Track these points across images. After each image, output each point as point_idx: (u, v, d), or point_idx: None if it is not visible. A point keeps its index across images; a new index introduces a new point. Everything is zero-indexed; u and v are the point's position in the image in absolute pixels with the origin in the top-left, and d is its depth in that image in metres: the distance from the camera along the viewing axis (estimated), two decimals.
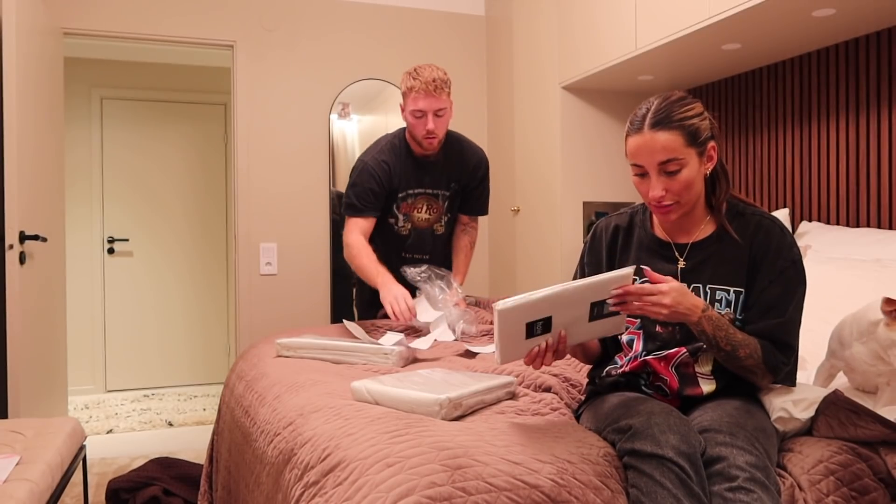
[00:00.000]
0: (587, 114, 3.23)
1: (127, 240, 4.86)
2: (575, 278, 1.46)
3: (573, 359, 1.68)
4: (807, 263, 2.06)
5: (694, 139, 1.32)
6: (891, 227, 2.23)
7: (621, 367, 1.45)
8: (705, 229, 1.42)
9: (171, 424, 3.92)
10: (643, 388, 1.42)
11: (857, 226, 2.35)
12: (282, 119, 3.70)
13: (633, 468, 1.14)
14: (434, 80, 2.28)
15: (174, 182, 4.98)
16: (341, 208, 3.86)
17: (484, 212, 2.66)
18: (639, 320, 1.43)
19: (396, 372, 1.75)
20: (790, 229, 2.55)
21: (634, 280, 1.38)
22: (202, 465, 2.35)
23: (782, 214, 2.51)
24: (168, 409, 4.28)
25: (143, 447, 3.44)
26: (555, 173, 3.22)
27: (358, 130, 3.92)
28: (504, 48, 3.80)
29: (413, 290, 2.29)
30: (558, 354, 1.29)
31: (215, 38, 3.60)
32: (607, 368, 1.48)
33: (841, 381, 1.54)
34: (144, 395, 4.69)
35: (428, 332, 2.16)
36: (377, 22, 3.88)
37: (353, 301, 2.80)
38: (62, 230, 3.28)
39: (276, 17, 3.69)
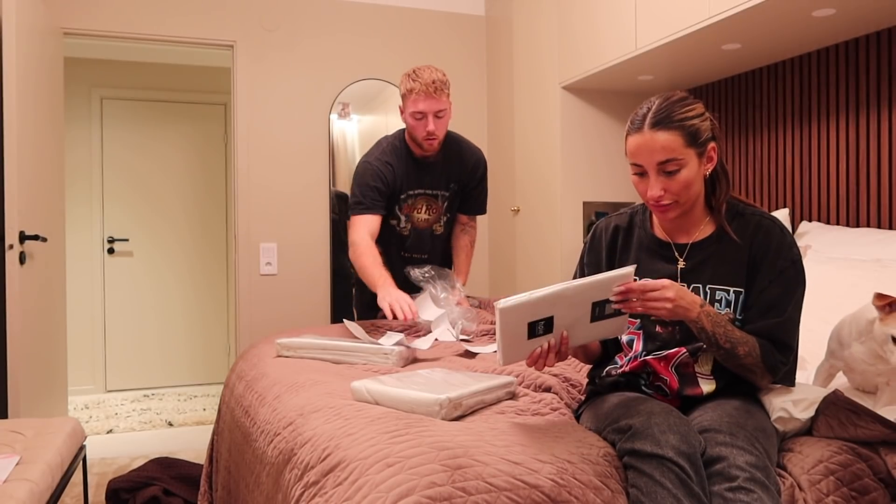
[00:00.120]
0: (587, 114, 3.23)
1: (127, 240, 4.86)
2: (575, 279, 1.46)
3: (573, 359, 1.68)
4: (807, 263, 2.06)
5: (694, 140, 1.32)
6: (891, 227, 2.23)
7: (621, 367, 1.45)
8: (705, 229, 1.42)
9: (171, 424, 3.92)
10: (643, 388, 1.42)
11: (857, 226, 2.35)
12: (282, 119, 3.70)
13: (633, 468, 1.14)
14: (434, 82, 2.28)
15: (174, 182, 4.98)
16: (347, 208, 3.88)
17: (482, 211, 2.67)
18: (639, 320, 1.43)
19: (396, 372, 1.75)
20: (790, 229, 2.55)
21: (635, 280, 1.38)
22: (202, 465, 2.35)
23: (782, 214, 2.51)
24: (168, 409, 4.28)
25: (143, 447, 3.44)
26: (555, 173, 3.22)
27: (358, 130, 3.92)
28: (504, 48, 3.80)
29: (416, 290, 2.30)
30: (560, 356, 1.29)
31: (215, 38, 3.60)
32: (607, 368, 1.48)
33: (841, 381, 1.54)
34: (144, 395, 4.69)
35: (429, 331, 2.16)
36: (377, 22, 3.88)
37: (352, 301, 2.80)
38: (62, 230, 3.28)
39: (276, 18, 3.69)
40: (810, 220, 2.54)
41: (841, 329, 1.48)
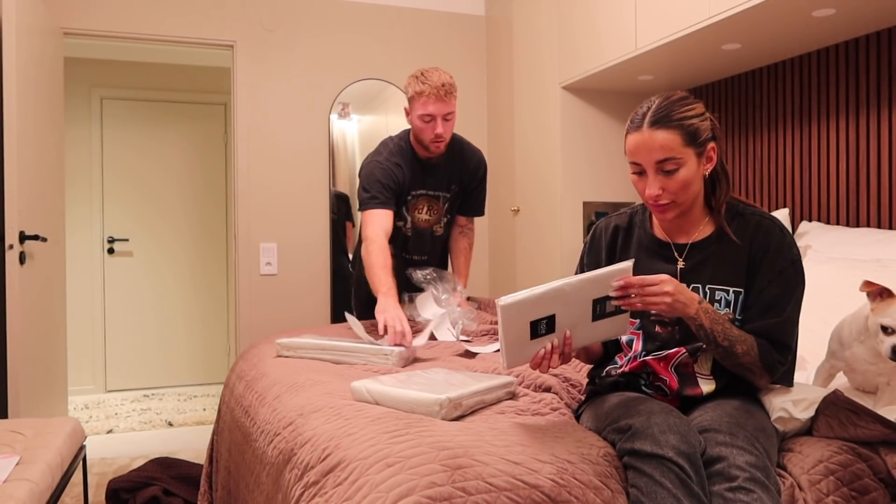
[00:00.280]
0: (587, 114, 3.23)
1: (127, 240, 4.86)
2: None
3: (574, 359, 1.68)
4: (807, 263, 2.06)
5: (693, 139, 1.32)
6: (891, 227, 2.23)
7: (621, 367, 1.45)
8: (704, 230, 1.42)
9: (171, 424, 3.92)
10: (643, 388, 1.42)
11: (857, 226, 2.35)
12: (282, 119, 3.70)
13: (633, 468, 1.14)
14: (444, 85, 2.28)
15: (174, 182, 4.98)
16: (346, 208, 3.89)
17: (481, 213, 2.68)
18: (638, 320, 1.44)
19: (396, 372, 1.75)
20: (790, 229, 2.55)
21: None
22: (202, 465, 2.35)
23: (782, 214, 2.51)
24: (168, 409, 4.28)
25: (143, 447, 3.44)
26: (555, 173, 3.22)
27: (358, 130, 3.92)
28: (504, 48, 3.80)
29: (418, 291, 2.30)
30: (564, 358, 1.28)
31: (215, 38, 3.60)
32: (607, 368, 1.48)
33: (841, 381, 1.54)
34: (144, 395, 4.69)
35: (427, 329, 2.18)
36: (377, 22, 3.88)
37: (351, 301, 2.80)
38: (62, 230, 3.28)
39: (276, 18, 3.69)
40: (810, 220, 2.54)
41: (841, 329, 1.48)
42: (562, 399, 1.54)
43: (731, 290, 1.37)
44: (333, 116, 3.82)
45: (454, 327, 2.20)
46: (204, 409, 4.23)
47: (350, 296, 2.80)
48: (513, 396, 1.51)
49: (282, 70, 3.70)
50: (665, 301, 1.25)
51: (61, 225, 3.26)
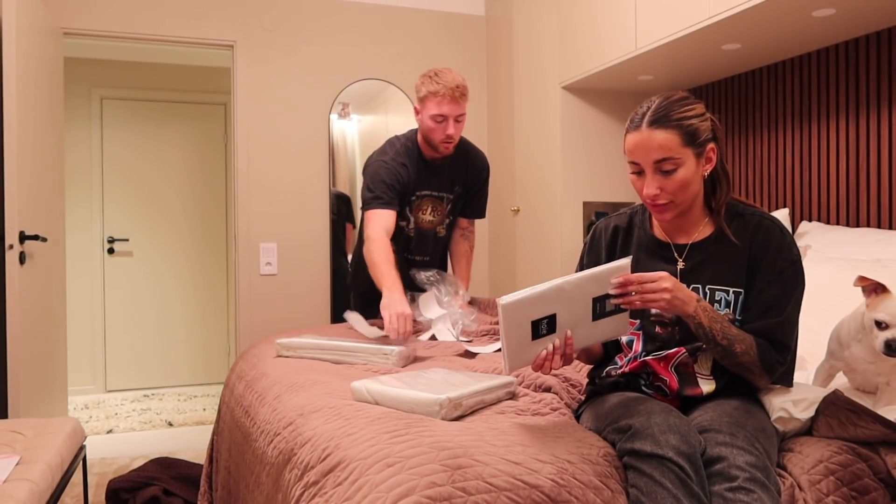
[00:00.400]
0: (587, 114, 3.23)
1: (127, 240, 4.86)
2: None
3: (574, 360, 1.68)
4: (807, 263, 2.06)
5: (692, 139, 1.32)
6: (891, 227, 2.23)
7: (621, 367, 1.45)
8: (704, 230, 1.42)
9: (171, 424, 3.92)
10: (643, 388, 1.42)
11: (857, 226, 2.35)
12: (282, 119, 3.70)
13: (633, 468, 1.14)
14: (458, 87, 2.29)
15: (174, 182, 4.98)
16: (347, 209, 3.89)
17: (482, 215, 2.69)
18: (638, 321, 1.44)
19: (396, 372, 1.75)
20: (790, 229, 2.55)
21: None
22: (202, 465, 2.35)
23: (782, 214, 2.51)
24: (168, 409, 4.28)
25: (143, 447, 3.44)
26: (555, 173, 3.22)
27: (358, 130, 3.92)
28: (504, 48, 3.80)
29: (420, 291, 2.30)
30: (566, 359, 1.28)
31: (215, 38, 3.60)
32: (607, 369, 1.48)
33: (840, 382, 1.54)
34: (144, 395, 4.69)
35: (429, 329, 2.18)
36: (377, 22, 3.88)
37: (350, 301, 2.80)
38: (62, 230, 3.28)
39: (276, 18, 3.69)
40: (810, 220, 2.54)
41: (840, 329, 1.48)
42: (562, 399, 1.54)
43: (731, 290, 1.37)
44: (333, 116, 3.82)
45: (454, 328, 2.20)
46: (204, 409, 4.23)
47: (349, 296, 2.80)
48: (513, 396, 1.51)
49: (282, 70, 3.70)
50: (664, 297, 1.25)
51: (61, 225, 3.26)
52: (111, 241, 4.82)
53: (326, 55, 3.78)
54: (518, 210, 3.59)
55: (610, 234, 1.52)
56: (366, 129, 3.92)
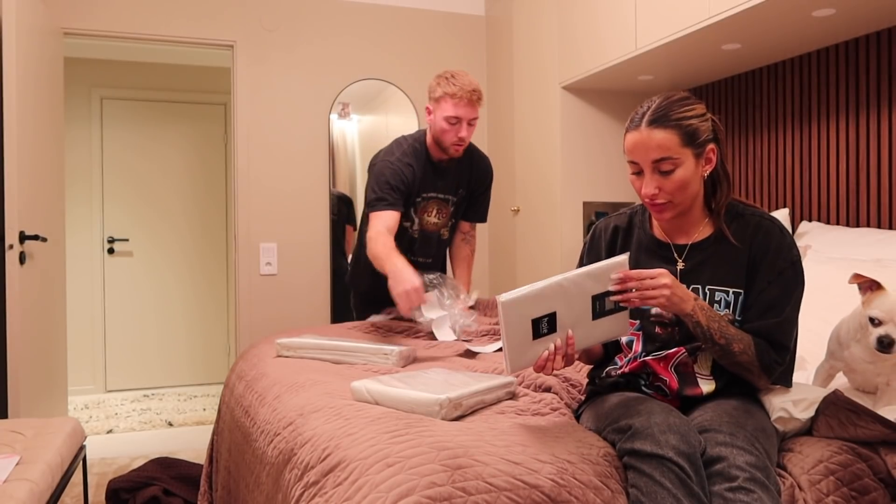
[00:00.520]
0: (587, 114, 3.23)
1: (127, 240, 4.86)
2: None
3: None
4: (807, 263, 2.06)
5: (691, 140, 1.32)
6: (891, 227, 2.23)
7: (621, 367, 1.45)
8: (704, 230, 1.42)
9: (171, 424, 3.92)
10: (643, 388, 1.42)
11: (857, 226, 2.35)
12: (282, 119, 3.70)
13: (633, 468, 1.14)
14: (475, 91, 2.30)
15: (174, 182, 4.98)
16: (349, 211, 3.89)
17: (484, 219, 2.69)
18: (638, 321, 1.44)
19: (396, 372, 1.75)
20: (790, 229, 2.55)
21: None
22: (202, 465, 2.35)
23: (782, 214, 2.51)
24: (168, 409, 4.28)
25: (143, 447, 3.44)
26: (555, 173, 3.22)
27: (358, 130, 3.92)
28: (504, 48, 3.80)
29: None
30: (567, 359, 1.28)
31: (215, 38, 3.60)
32: (607, 369, 1.48)
33: (840, 382, 1.54)
34: (144, 395, 4.69)
35: (429, 328, 2.18)
36: (377, 22, 3.88)
37: (350, 301, 2.80)
38: (62, 230, 3.28)
39: (276, 18, 3.69)
40: (810, 220, 2.54)
41: (840, 329, 1.49)
42: (562, 399, 1.54)
43: (731, 291, 1.37)
44: (333, 116, 3.82)
45: (455, 329, 2.20)
46: (204, 409, 4.23)
47: (349, 294, 2.80)
48: (513, 396, 1.51)
49: (282, 70, 3.70)
50: (664, 294, 1.25)
51: (61, 225, 3.26)
52: (111, 241, 4.82)
53: (326, 55, 3.78)
54: (518, 210, 3.59)
55: (610, 234, 1.52)
56: (366, 128, 3.92)
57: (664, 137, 1.31)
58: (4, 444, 1.87)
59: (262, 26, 3.66)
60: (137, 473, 2.51)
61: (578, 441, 1.22)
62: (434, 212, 2.48)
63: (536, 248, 3.42)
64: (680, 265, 1.41)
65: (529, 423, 1.32)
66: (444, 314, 2.20)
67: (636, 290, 1.26)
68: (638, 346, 1.44)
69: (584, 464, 1.14)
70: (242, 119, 3.63)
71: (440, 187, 2.47)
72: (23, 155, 2.59)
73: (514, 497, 1.04)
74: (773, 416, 1.32)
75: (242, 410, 1.77)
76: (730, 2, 2.11)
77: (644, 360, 1.40)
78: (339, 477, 1.11)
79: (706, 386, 1.37)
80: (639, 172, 1.36)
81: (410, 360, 1.92)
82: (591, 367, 1.56)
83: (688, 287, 1.38)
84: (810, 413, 1.32)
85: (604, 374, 1.48)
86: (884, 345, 1.34)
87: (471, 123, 2.33)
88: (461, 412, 1.35)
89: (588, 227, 3.23)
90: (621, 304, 1.28)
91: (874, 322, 1.36)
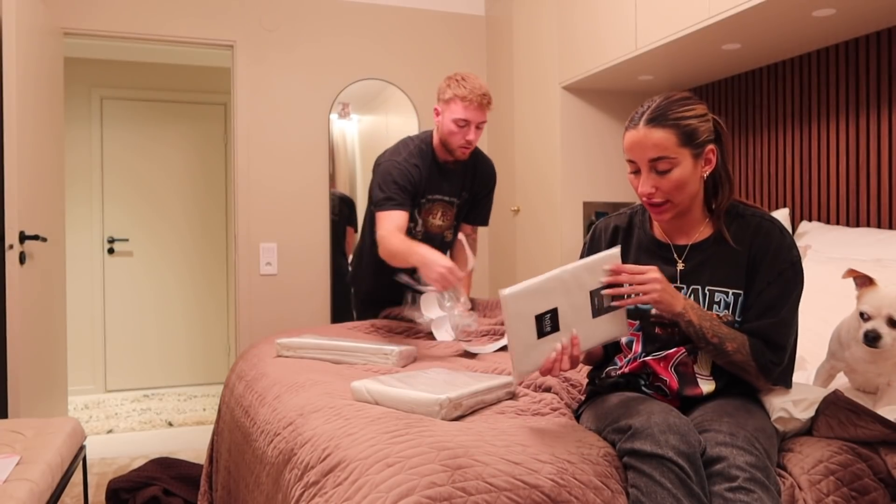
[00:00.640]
0: (587, 114, 3.23)
1: (127, 240, 4.86)
2: None
3: None
4: (807, 263, 2.06)
5: (689, 140, 1.32)
6: (891, 227, 2.23)
7: (621, 367, 1.45)
8: (704, 231, 1.42)
9: (171, 424, 3.92)
10: (643, 388, 1.42)
11: (857, 226, 2.35)
12: (282, 119, 3.70)
13: (633, 468, 1.14)
14: (485, 95, 2.29)
15: (174, 182, 4.98)
16: (350, 213, 3.88)
17: (486, 222, 2.68)
18: (638, 322, 1.44)
19: (396, 372, 1.75)
20: (790, 229, 2.55)
21: None
22: (202, 465, 2.35)
23: (782, 214, 2.51)
24: (168, 409, 4.28)
25: (143, 447, 3.44)
26: (555, 173, 3.22)
27: (358, 130, 3.92)
28: (504, 48, 3.80)
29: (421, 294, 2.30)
30: (573, 360, 1.29)
31: (215, 38, 3.60)
32: (607, 369, 1.48)
33: (841, 382, 1.54)
34: (144, 395, 4.69)
35: (429, 328, 2.18)
36: (377, 22, 3.88)
37: (350, 301, 2.80)
38: (62, 230, 3.28)
39: (276, 18, 3.69)
40: (810, 220, 2.54)
41: (840, 329, 1.49)
42: (562, 399, 1.54)
43: (731, 291, 1.37)
44: (333, 116, 3.82)
45: (454, 329, 2.20)
46: (204, 409, 4.23)
47: (350, 294, 2.80)
48: (513, 396, 1.51)
49: (282, 70, 3.70)
50: (655, 288, 1.27)
51: (61, 225, 3.26)
52: (111, 241, 4.82)
53: (326, 55, 3.78)
54: (518, 210, 3.59)
55: (610, 233, 1.52)
56: (366, 128, 3.92)
57: (661, 137, 1.31)
58: (4, 444, 1.87)
59: (262, 26, 3.66)
60: (137, 473, 2.51)
61: (578, 441, 1.22)
62: (439, 214, 2.48)
63: (536, 248, 3.42)
64: (680, 266, 1.41)
65: (529, 423, 1.32)
66: (443, 314, 2.20)
67: (628, 284, 1.28)
68: (638, 347, 1.44)
69: (584, 464, 1.14)
70: (242, 119, 3.63)
71: (445, 189, 2.46)
72: (23, 155, 2.59)
73: (514, 497, 1.04)
74: (774, 417, 1.32)
75: (242, 410, 1.77)
76: (730, 2, 2.11)
77: (644, 361, 1.40)
78: (339, 477, 1.11)
79: (706, 386, 1.37)
80: (637, 171, 1.36)
81: (410, 360, 1.92)
82: (591, 367, 1.56)
83: (687, 288, 1.39)
84: (810, 413, 1.32)
85: (604, 375, 1.48)
86: (870, 339, 1.34)
87: (479, 127, 2.33)
88: (461, 412, 1.35)
89: (588, 226, 3.23)
90: (615, 304, 1.30)
91: (864, 317, 1.37)
